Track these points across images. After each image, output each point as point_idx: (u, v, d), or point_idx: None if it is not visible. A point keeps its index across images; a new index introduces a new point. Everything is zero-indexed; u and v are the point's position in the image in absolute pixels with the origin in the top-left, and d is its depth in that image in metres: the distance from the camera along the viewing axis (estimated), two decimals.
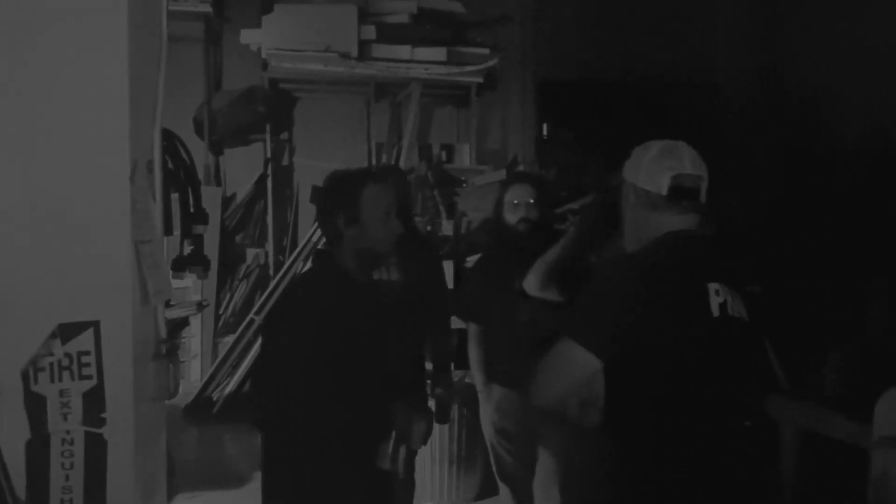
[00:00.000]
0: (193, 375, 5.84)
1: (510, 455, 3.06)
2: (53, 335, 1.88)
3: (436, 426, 2.49)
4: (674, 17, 6.37)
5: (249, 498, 3.79)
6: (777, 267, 4.88)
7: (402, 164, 5.63)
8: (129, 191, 1.93)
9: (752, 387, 1.99)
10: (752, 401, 2.15)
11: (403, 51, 5.71)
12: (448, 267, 5.07)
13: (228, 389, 5.35)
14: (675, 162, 1.74)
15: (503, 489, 3.17)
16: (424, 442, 2.12)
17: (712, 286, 1.69)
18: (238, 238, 6.39)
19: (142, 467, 2.02)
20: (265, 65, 5.79)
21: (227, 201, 6.34)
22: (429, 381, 3.06)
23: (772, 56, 6.22)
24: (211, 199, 5.58)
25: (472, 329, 3.17)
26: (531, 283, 2.81)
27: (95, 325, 1.90)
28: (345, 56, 5.58)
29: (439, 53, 5.74)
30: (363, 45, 5.64)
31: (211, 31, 6.43)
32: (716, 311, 1.67)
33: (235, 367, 5.43)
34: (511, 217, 3.00)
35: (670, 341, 1.64)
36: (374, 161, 6.20)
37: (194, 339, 5.75)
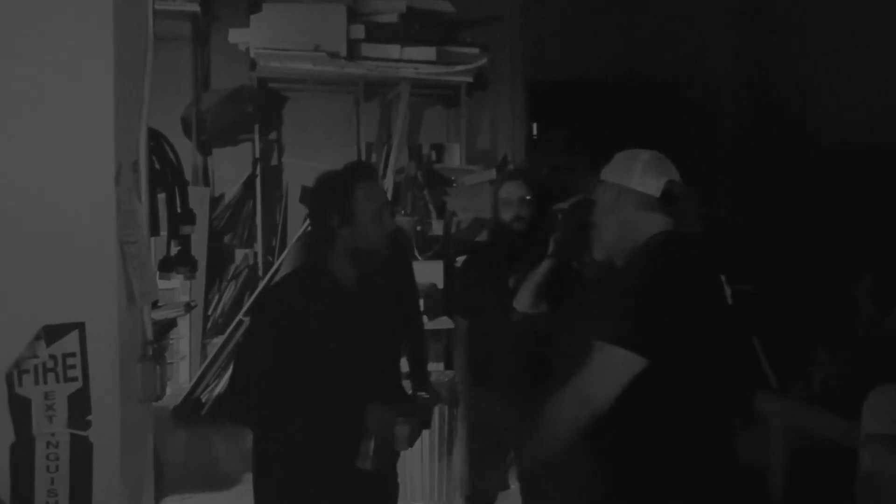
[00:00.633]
0: (182, 377, 5.81)
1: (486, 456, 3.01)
2: (38, 337, 1.86)
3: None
4: (663, 17, 6.38)
5: (239, 500, 3.78)
6: (766, 266, 4.91)
7: (391, 163, 5.62)
8: (115, 191, 1.91)
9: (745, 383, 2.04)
10: (743, 398, 2.18)
11: (393, 50, 5.70)
12: (437, 266, 5.07)
13: (217, 391, 5.33)
14: (667, 169, 1.88)
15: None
16: (411, 444, 2.10)
17: (722, 277, 1.81)
18: (227, 239, 6.35)
19: (128, 470, 2.00)
20: (253, 64, 5.77)
21: (215, 202, 6.31)
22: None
23: (760, 56, 6.25)
24: (199, 199, 5.56)
25: (460, 327, 3.14)
26: (524, 301, 2.82)
27: (80, 326, 1.88)
28: (334, 55, 5.56)
29: (429, 53, 5.73)
30: (352, 45, 5.62)
31: (199, 31, 6.39)
32: (730, 300, 1.80)
33: (224, 368, 5.40)
34: (506, 215, 2.97)
35: (706, 331, 1.72)
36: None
37: (183, 340, 5.72)
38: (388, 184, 5.42)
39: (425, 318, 4.08)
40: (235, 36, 5.89)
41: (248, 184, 6.27)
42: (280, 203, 6.30)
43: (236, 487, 4.12)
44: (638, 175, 1.84)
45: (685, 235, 1.84)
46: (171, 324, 4.10)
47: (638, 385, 1.66)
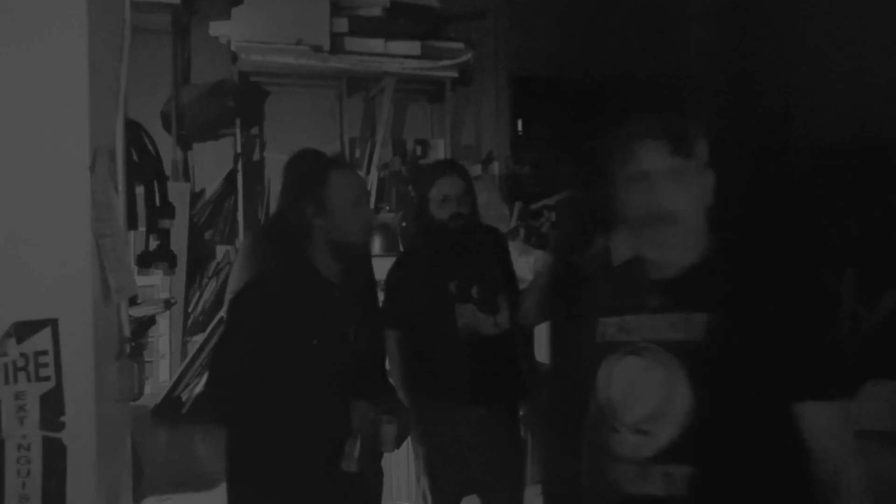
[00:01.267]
0: (162, 375, 5.71)
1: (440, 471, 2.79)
2: (8, 334, 1.78)
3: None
4: (647, 14, 6.37)
5: (220, 500, 3.70)
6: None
7: (375, 159, 5.55)
8: (90, 181, 1.84)
9: None
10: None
11: (377, 44, 5.63)
12: None
13: (198, 390, 5.24)
14: None
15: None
16: (398, 445, 2.02)
17: None
18: (207, 235, 6.26)
19: (105, 473, 1.92)
20: (235, 58, 5.68)
21: (195, 197, 6.21)
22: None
23: (744, 54, 6.26)
24: (179, 194, 5.46)
25: (392, 338, 2.81)
26: (530, 314, 2.70)
27: (53, 323, 1.80)
28: (317, 49, 5.49)
29: (413, 48, 5.68)
30: (335, 39, 5.56)
31: (179, 23, 6.29)
32: None
33: (205, 367, 5.32)
34: (441, 213, 2.71)
35: None
36: (347, 156, 6.12)
37: (162, 338, 5.63)
38: (373, 179, 5.36)
39: None
40: (216, 29, 5.81)
41: (230, 179, 6.18)
42: (262, 198, 6.21)
43: (217, 488, 4.03)
44: None
45: None
46: (150, 321, 4.01)
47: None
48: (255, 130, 6.43)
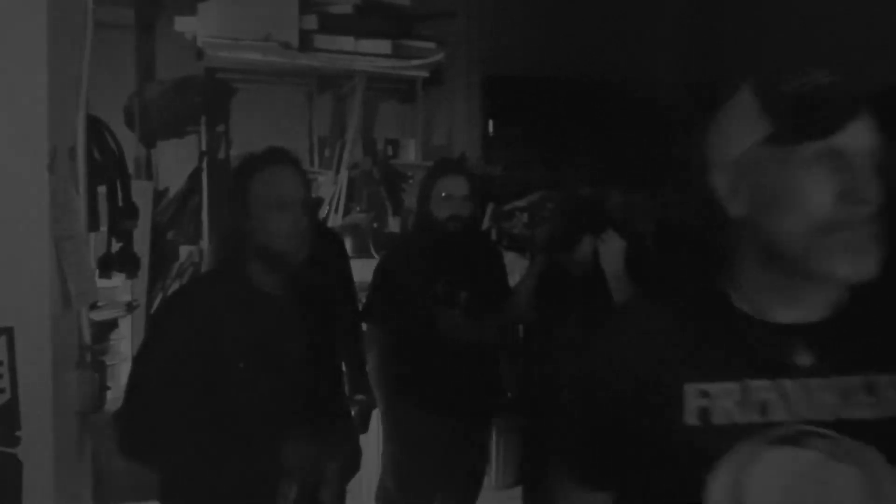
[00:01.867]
0: (124, 380, 5.54)
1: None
2: None
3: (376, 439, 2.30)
4: (620, 15, 6.39)
5: None
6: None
7: (345, 158, 5.47)
8: (48, 181, 1.74)
9: None
10: None
11: (347, 42, 5.55)
12: None
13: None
14: None
15: None
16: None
17: None
18: (170, 235, 6.10)
19: (63, 488, 1.83)
20: (201, 54, 5.55)
21: (159, 196, 6.05)
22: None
23: (715, 56, 6.30)
24: (142, 193, 5.30)
25: (372, 335, 2.81)
26: (517, 310, 2.68)
27: (9, 331, 1.71)
28: (285, 46, 5.38)
29: (384, 46, 5.60)
30: (305, 36, 5.45)
31: (143, 18, 6.13)
32: None
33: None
34: (440, 212, 2.72)
35: None
36: (316, 156, 6.03)
37: (124, 341, 5.46)
38: (343, 179, 5.28)
39: None
40: (182, 24, 5.66)
41: (194, 177, 6.03)
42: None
43: None
44: None
45: None
46: (111, 325, 3.87)
47: None
48: (221, 128, 6.27)
